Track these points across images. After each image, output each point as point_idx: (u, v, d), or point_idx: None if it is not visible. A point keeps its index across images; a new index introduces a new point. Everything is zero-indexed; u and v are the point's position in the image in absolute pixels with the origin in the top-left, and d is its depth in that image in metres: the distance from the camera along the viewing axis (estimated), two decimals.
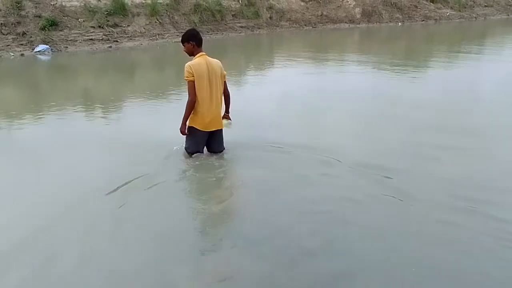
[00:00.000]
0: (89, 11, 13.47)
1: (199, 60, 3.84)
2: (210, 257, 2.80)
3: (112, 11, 13.74)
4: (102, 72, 10.28)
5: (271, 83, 8.38)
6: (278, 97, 6.96)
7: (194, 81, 3.81)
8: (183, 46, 3.96)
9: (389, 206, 3.34)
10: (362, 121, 5.57)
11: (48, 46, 11.89)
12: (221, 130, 4.14)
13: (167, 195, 3.59)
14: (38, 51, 11.65)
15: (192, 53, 3.93)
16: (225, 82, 4.06)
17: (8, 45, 11.62)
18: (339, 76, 9.10)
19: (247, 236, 2.96)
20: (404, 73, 9.06)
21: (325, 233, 2.96)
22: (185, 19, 15.71)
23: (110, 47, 12.97)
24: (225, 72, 4.03)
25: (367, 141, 4.78)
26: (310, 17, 19.68)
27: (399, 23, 20.89)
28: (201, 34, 4.00)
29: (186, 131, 4.01)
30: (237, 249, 2.82)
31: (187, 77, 3.82)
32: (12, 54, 11.35)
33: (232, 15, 17.48)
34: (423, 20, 22.04)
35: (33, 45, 11.85)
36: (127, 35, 13.78)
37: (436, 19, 22.46)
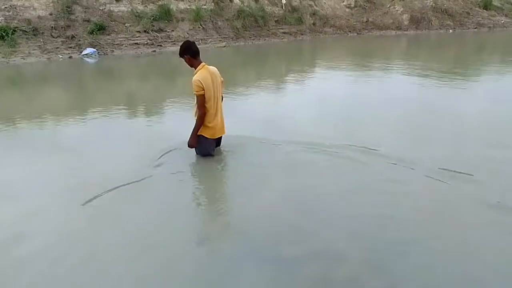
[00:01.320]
0: (136, 16, 13.71)
1: (205, 74, 3.88)
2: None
3: (157, 17, 13.92)
4: (146, 75, 10.31)
5: (313, 91, 8.02)
6: (329, 106, 6.59)
7: (204, 95, 3.86)
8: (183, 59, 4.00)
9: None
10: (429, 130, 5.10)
11: (95, 49, 12.16)
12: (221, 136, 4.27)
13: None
14: (86, 54, 11.92)
15: (191, 65, 3.96)
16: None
17: (58, 47, 11.97)
18: (385, 85, 8.60)
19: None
20: (462, 83, 8.43)
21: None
22: (228, 24, 15.68)
23: (154, 51, 13.10)
24: (222, 78, 4.12)
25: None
26: (355, 23, 19.14)
27: (450, 30, 19.89)
28: (195, 44, 4.00)
29: (195, 145, 4.11)
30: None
31: (197, 91, 3.85)
32: (61, 56, 11.67)
33: (275, 21, 17.29)
34: (475, 28, 20.88)
35: (81, 48, 12.15)
36: (171, 40, 13.89)
37: (489, 27, 21.22)
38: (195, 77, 3.85)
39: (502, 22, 22.06)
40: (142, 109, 6.58)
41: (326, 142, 4.43)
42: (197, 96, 3.86)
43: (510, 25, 21.91)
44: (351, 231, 2.83)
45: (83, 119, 5.85)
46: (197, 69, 3.91)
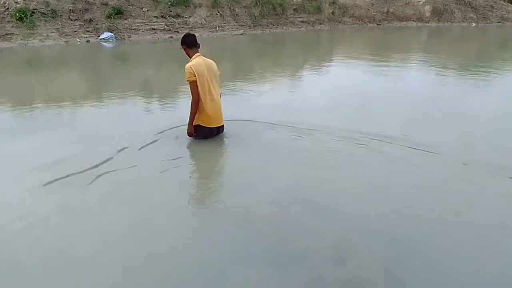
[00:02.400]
0: (153, 1, 13.60)
1: (197, 60, 3.98)
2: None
3: (175, 2, 13.78)
4: (162, 61, 10.23)
5: (329, 82, 7.84)
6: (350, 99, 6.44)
7: (196, 81, 3.91)
8: None
9: None
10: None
11: (112, 34, 12.12)
12: (223, 126, 4.23)
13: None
14: (103, 39, 11.89)
15: (188, 55, 4.09)
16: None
17: (75, 31, 11.96)
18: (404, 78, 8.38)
19: None
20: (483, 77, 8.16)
21: None
22: (245, 11, 15.48)
23: (171, 37, 13.00)
24: (220, 72, 4.15)
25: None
26: (374, 13, 18.74)
27: (473, 24, 19.36)
28: (194, 36, 4.08)
29: (193, 132, 4.10)
30: None
31: (189, 78, 3.91)
32: (79, 40, 11.66)
33: (293, 9, 17.02)
34: (499, 22, 20.30)
35: (98, 32, 12.12)
36: (188, 26, 13.77)
37: None
38: (187, 64, 3.97)
39: None
40: (155, 95, 6.50)
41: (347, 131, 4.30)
42: (189, 83, 3.94)
43: None
44: (368, 229, 2.72)
45: (95, 104, 5.81)
46: (191, 58, 4.04)
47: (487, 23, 19.83)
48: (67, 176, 3.34)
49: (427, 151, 3.82)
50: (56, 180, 3.28)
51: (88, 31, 12.11)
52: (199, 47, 4.08)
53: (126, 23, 12.82)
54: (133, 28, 12.83)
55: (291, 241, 2.62)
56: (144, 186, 3.29)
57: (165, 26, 13.39)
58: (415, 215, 2.88)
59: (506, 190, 3.27)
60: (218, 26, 14.37)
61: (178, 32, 13.34)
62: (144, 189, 3.25)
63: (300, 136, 4.32)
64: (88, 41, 11.71)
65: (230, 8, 15.19)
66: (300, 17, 17.02)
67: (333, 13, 17.92)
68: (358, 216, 2.89)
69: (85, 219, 2.82)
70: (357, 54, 11.41)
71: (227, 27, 14.56)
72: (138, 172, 3.48)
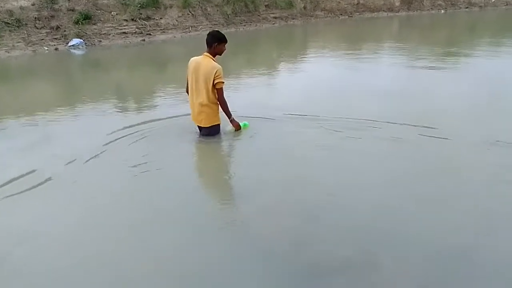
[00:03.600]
0: (122, 4, 13.23)
1: (194, 58, 4.22)
2: None
3: (144, 4, 13.45)
4: (135, 66, 9.96)
5: (305, 75, 7.81)
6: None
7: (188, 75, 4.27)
8: None
9: None
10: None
11: (81, 40, 11.73)
12: (204, 128, 4.31)
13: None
14: (72, 45, 11.50)
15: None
16: (218, 90, 4.13)
17: (42, 39, 11.52)
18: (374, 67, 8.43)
19: None
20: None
21: None
22: (218, 10, 15.27)
23: (143, 40, 12.71)
24: (218, 80, 4.07)
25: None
26: (346, 6, 18.83)
27: (442, 11, 19.71)
28: (211, 35, 4.15)
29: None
30: None
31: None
32: (47, 48, 11.24)
33: (266, 6, 16.90)
34: (467, 7, 20.74)
35: (67, 39, 11.71)
36: (160, 28, 13.48)
37: (481, 6, 21.09)
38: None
39: (492, 1, 21.92)
40: (130, 100, 6.30)
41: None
42: None
43: (500, 3, 21.80)
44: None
45: (66, 114, 5.58)
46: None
47: (455, 9, 20.23)
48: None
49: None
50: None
51: (55, 38, 11.68)
52: (209, 47, 4.12)
53: (95, 28, 12.44)
54: (103, 33, 12.46)
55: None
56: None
57: (136, 29, 13.06)
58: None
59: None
60: (191, 26, 14.13)
61: (150, 34, 13.05)
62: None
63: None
64: (56, 49, 11.31)
65: (201, 7, 14.96)
66: (272, 13, 16.93)
67: (305, 7, 17.90)
68: None
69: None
70: (332, 47, 11.42)
71: (200, 26, 14.33)
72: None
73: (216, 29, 4.24)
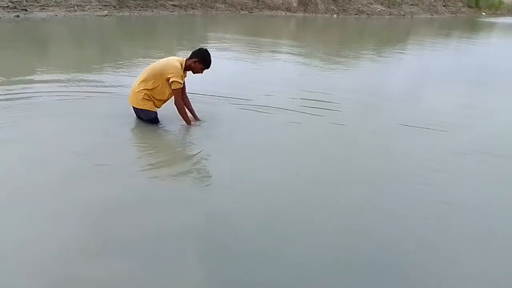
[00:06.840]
0: None
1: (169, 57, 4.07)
2: None
3: None
4: (7, 46, 8.68)
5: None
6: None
7: None
8: None
9: None
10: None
11: None
12: (137, 109, 4.03)
13: None
14: None
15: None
16: (174, 90, 3.88)
17: None
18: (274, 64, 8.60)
19: None
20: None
21: None
22: None
23: (18, 16, 11.19)
24: (174, 79, 3.81)
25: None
26: (246, 1, 19.02)
27: (334, 15, 21.05)
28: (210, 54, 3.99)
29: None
30: None
31: None
32: None
33: None
34: (356, 14, 22.46)
35: None
36: (39, 4, 12.05)
37: (368, 14, 23.03)
38: None
39: (378, 10, 24.12)
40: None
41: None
42: None
43: (385, 13, 24.07)
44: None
45: None
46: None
47: (346, 14, 21.76)
48: None
49: None
50: None
51: None
52: (190, 58, 3.95)
53: None
54: None
55: None
56: None
57: (10, 3, 11.46)
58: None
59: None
60: (77, 5, 12.88)
61: (26, 10, 11.57)
62: None
63: None
64: None
65: None
66: (171, 1, 16.31)
67: None
68: None
69: None
70: (234, 39, 11.35)
71: (88, 6, 13.14)
72: None
73: (209, 52, 3.96)
